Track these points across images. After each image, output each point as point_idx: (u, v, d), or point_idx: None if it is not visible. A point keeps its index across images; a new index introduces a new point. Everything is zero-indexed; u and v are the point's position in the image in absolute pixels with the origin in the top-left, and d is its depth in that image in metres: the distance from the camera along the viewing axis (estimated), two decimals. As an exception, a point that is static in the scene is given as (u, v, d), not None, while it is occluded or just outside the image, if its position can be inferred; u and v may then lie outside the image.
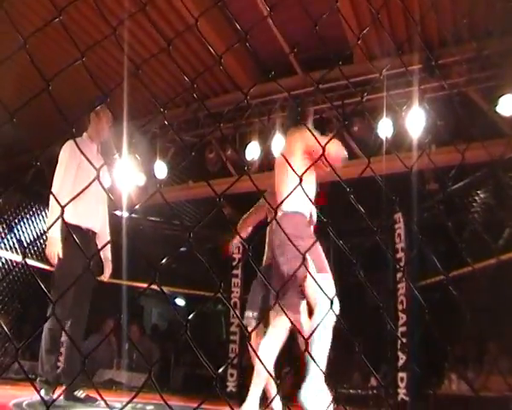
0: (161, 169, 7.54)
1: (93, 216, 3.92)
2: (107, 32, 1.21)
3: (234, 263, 8.01)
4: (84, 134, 4.14)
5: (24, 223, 7.23)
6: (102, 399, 1.06)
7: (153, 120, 7.73)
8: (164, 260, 1.10)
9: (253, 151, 6.92)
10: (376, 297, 1.54)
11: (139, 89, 6.50)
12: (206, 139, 7.42)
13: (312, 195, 3.24)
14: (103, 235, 4.06)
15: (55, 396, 3.50)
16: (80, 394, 3.74)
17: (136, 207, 4.55)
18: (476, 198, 5.63)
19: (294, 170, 1.63)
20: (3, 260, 6.59)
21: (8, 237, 7.36)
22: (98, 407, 3.70)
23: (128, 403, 1.05)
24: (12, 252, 6.75)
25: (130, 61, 5.58)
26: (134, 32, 5.95)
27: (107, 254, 4.12)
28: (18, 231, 7.33)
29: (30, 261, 6.67)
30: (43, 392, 3.53)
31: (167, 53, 1.22)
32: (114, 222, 4.27)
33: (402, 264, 6.22)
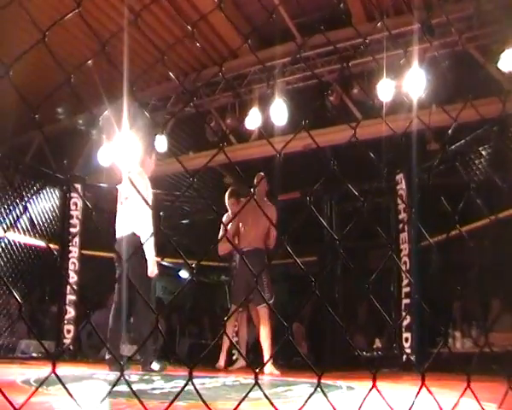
0: (161, 142, 7.48)
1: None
2: None
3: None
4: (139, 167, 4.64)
5: (27, 203, 7.21)
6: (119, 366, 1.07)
7: (151, 92, 7.69)
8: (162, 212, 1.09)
9: (254, 118, 6.90)
10: (382, 234, 1.57)
11: (136, 61, 6.45)
12: (205, 109, 7.42)
13: None
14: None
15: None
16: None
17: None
18: (477, 155, 5.60)
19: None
20: (6, 241, 6.59)
21: (10, 217, 7.37)
22: (97, 379, 3.73)
23: (136, 352, 1.06)
24: (14, 232, 6.74)
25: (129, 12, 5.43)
26: None
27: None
28: (20, 211, 7.33)
29: (33, 240, 6.74)
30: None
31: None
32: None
33: (405, 224, 6.23)
